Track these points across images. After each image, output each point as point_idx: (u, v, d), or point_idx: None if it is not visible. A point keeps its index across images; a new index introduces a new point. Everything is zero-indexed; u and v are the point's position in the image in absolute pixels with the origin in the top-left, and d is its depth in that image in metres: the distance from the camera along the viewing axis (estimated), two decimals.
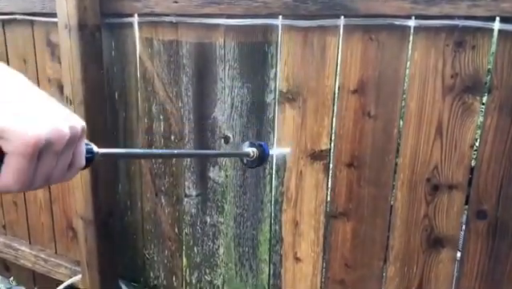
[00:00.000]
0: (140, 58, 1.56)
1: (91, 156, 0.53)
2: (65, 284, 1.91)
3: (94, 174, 1.64)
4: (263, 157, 1.19)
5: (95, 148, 0.54)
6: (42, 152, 0.44)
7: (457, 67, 1.09)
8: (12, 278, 2.35)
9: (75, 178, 1.68)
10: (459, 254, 1.20)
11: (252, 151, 1.19)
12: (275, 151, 1.39)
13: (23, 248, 2.13)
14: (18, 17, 1.76)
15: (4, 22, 1.84)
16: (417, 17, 1.09)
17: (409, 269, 1.26)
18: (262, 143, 1.23)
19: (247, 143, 1.26)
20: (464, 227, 1.18)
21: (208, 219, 1.59)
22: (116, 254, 1.80)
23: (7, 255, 2.20)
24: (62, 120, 0.46)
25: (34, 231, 2.13)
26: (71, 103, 1.56)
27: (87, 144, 0.52)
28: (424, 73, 1.13)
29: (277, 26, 1.29)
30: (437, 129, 1.14)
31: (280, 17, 1.27)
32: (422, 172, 1.18)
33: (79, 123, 0.48)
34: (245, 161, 1.25)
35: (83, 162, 0.51)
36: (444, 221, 1.18)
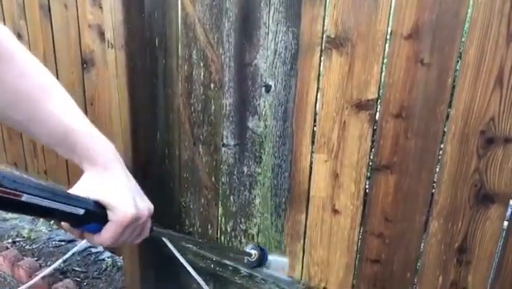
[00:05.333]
0: (181, 2, 1.53)
1: (151, 230, 0.76)
2: None
3: (133, 122, 1.65)
4: (262, 260, 1.41)
5: (154, 227, 0.78)
6: (130, 224, 0.65)
7: None
8: (52, 221, 2.45)
9: (115, 125, 1.70)
10: (509, 211, 1.15)
11: (254, 252, 1.38)
12: (273, 257, 1.52)
13: None
14: None
15: None
16: None
17: (453, 225, 1.22)
18: (264, 247, 1.44)
19: (251, 245, 1.48)
20: None
21: (245, 169, 1.58)
22: (153, 201, 1.83)
23: None
24: (144, 204, 0.69)
25: (74, 177, 2.19)
26: (112, 47, 1.55)
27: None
28: (487, 16, 1.04)
29: None
30: (497, 78, 1.06)
31: None
32: (476, 124, 1.12)
33: (151, 206, 0.72)
34: (244, 260, 1.43)
35: (148, 233, 0.74)
36: (497, 176, 1.12)
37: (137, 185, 0.70)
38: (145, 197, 0.71)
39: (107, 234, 0.64)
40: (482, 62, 1.07)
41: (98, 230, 0.65)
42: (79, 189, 0.64)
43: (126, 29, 1.51)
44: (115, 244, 0.66)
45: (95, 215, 0.63)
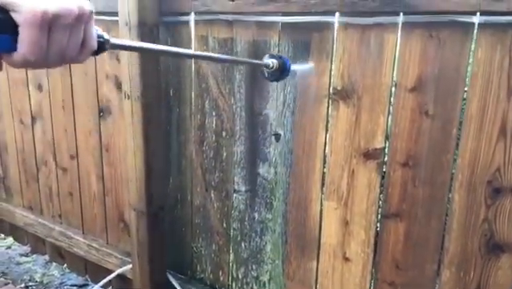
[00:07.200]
0: None
1: (102, 41, 0.57)
2: (115, 273, 1.99)
3: (147, 168, 1.70)
4: (283, 70, 1.20)
5: (107, 36, 0.59)
6: (51, 25, 0.48)
7: None
8: (65, 265, 2.47)
9: (130, 171, 1.75)
10: None
11: (272, 62, 1.20)
12: (296, 66, 1.34)
13: (77, 237, 2.24)
14: None
15: None
16: (483, 13, 1.06)
17: (465, 274, 1.22)
18: (283, 56, 1.23)
19: (267, 55, 1.26)
20: None
21: (256, 215, 1.60)
22: (165, 246, 1.85)
23: (62, 243, 2.32)
24: (70, 0, 0.50)
25: (88, 221, 2.23)
26: (128, 98, 1.63)
27: (98, 31, 0.57)
28: (487, 71, 1.09)
29: (333, 23, 1.29)
30: (501, 130, 1.09)
31: (337, 14, 1.26)
32: (483, 174, 1.14)
33: (88, 5, 0.52)
34: (265, 73, 1.23)
35: (95, 44, 0.55)
36: (506, 225, 1.13)
37: None
38: None
39: (24, 45, 0.47)
40: (485, 114, 1.11)
41: (14, 47, 0.48)
42: None
43: (142, 81, 1.59)
44: (47, 59, 0.50)
45: None
